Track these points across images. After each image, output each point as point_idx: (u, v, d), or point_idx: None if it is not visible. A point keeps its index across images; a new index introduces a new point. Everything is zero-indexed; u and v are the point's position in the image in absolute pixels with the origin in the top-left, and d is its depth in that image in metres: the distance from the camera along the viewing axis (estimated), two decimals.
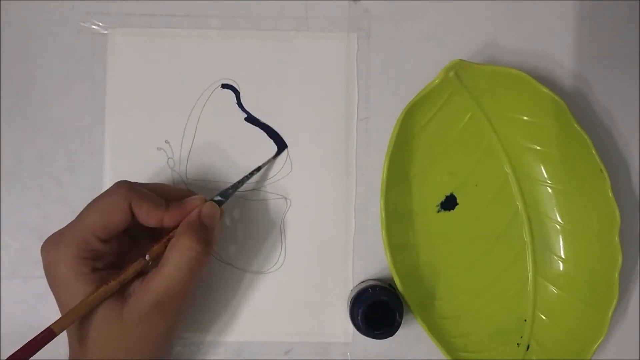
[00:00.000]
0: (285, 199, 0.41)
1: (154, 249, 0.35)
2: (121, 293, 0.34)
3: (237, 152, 0.41)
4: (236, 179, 0.40)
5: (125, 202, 0.33)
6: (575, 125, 0.38)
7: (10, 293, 0.40)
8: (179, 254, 0.33)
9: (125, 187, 0.34)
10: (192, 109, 0.41)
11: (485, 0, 0.42)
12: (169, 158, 0.41)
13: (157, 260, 0.35)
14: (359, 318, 0.37)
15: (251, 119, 0.41)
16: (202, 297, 0.41)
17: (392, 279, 0.39)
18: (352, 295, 0.39)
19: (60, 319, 0.31)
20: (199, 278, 0.35)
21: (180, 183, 0.41)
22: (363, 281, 0.41)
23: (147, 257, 0.34)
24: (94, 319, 0.33)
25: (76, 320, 0.32)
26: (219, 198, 0.38)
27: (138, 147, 0.41)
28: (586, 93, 0.42)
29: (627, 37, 0.42)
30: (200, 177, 0.41)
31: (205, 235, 0.35)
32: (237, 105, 0.41)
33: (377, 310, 0.37)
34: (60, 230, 0.34)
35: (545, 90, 0.38)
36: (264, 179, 0.41)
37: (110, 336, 0.33)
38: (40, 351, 0.30)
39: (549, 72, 0.42)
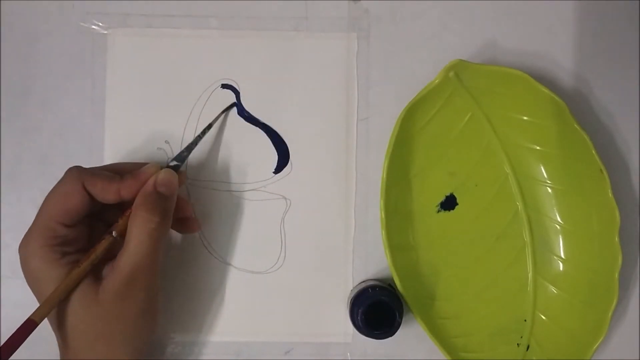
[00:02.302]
0: (285, 199, 0.41)
1: (118, 224, 0.34)
2: (95, 276, 0.34)
3: (237, 152, 0.41)
4: (236, 178, 0.41)
5: (78, 184, 0.34)
6: (575, 125, 0.38)
7: (10, 293, 0.40)
8: (138, 228, 0.33)
9: (75, 170, 0.34)
10: (192, 109, 0.41)
11: (485, 0, 0.42)
12: (169, 158, 0.41)
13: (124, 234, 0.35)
14: (359, 318, 0.37)
15: (251, 119, 0.41)
16: (203, 298, 0.41)
17: (392, 279, 0.39)
18: (352, 295, 0.39)
19: (39, 307, 0.32)
20: (166, 251, 0.35)
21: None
22: (363, 281, 0.41)
23: (113, 233, 0.34)
24: (70, 305, 0.33)
25: (55, 306, 0.32)
26: (175, 163, 0.37)
27: (138, 147, 0.41)
28: (586, 93, 0.42)
29: (627, 37, 0.42)
30: (200, 177, 0.41)
31: (163, 204, 0.34)
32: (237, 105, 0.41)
33: (377, 310, 0.37)
34: (28, 228, 0.34)
35: (545, 90, 0.38)
36: (263, 178, 0.41)
37: (89, 320, 0.33)
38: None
39: (549, 72, 0.42)
